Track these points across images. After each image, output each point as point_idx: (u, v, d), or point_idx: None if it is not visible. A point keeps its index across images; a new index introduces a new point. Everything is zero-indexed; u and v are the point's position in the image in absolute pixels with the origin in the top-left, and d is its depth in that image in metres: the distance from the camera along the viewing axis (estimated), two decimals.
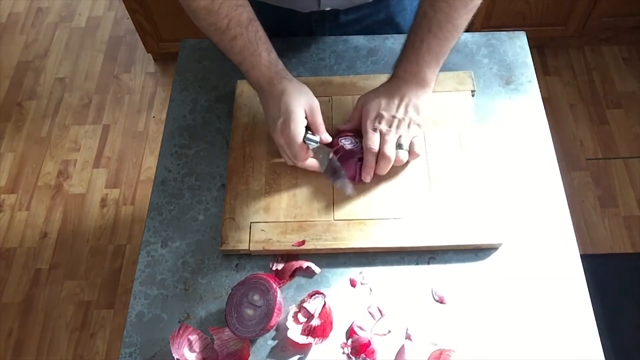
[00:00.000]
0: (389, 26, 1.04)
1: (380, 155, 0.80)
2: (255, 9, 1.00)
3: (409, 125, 0.82)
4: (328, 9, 0.95)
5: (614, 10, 1.96)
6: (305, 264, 0.78)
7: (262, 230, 0.80)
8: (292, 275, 0.79)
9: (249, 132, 0.90)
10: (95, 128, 2.10)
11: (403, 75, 0.82)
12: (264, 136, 0.89)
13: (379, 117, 0.81)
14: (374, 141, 0.80)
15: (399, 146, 0.81)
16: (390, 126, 0.81)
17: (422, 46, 0.79)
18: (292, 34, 1.02)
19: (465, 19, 0.79)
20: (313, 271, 0.78)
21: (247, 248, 0.79)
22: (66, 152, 2.04)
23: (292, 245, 0.79)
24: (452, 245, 0.79)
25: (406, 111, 0.81)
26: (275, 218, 0.81)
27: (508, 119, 0.92)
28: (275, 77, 0.81)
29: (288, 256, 0.80)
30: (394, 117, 0.81)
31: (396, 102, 0.81)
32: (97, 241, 1.84)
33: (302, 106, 0.79)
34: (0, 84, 2.23)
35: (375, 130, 0.80)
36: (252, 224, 0.81)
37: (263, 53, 0.81)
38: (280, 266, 0.79)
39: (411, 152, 0.82)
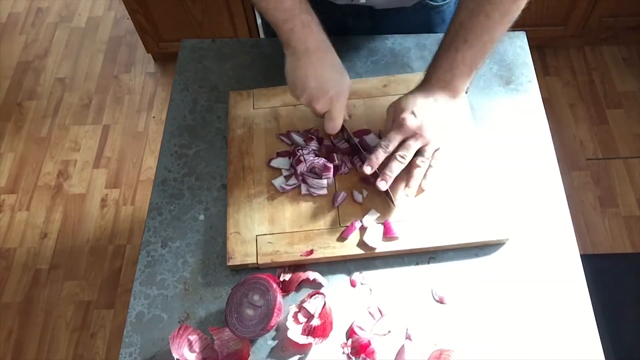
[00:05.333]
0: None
1: (393, 157, 0.78)
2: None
3: (432, 140, 0.79)
4: (363, 1, 0.94)
5: (614, 10, 1.96)
6: (312, 276, 0.78)
7: (269, 242, 0.80)
8: (298, 286, 0.79)
9: (245, 143, 0.89)
10: (95, 128, 2.10)
11: (436, 82, 0.80)
12: (262, 146, 0.88)
13: (407, 118, 0.78)
14: (392, 139, 0.78)
15: (419, 153, 0.79)
16: (417, 134, 0.78)
17: (457, 56, 0.78)
18: (328, 30, 1.02)
19: (501, 30, 0.78)
20: (319, 282, 0.78)
21: (255, 262, 0.78)
22: (66, 152, 2.04)
23: (301, 255, 0.78)
24: (458, 244, 0.79)
25: (437, 119, 0.79)
26: (281, 229, 0.81)
27: (508, 119, 0.92)
28: (326, 44, 0.80)
29: (295, 266, 0.80)
30: (420, 128, 0.77)
31: (429, 106, 0.79)
32: (97, 241, 1.84)
33: (348, 82, 0.82)
34: (0, 84, 2.23)
35: (399, 130, 0.78)
36: (257, 236, 0.80)
37: (313, 13, 0.79)
38: (287, 277, 0.79)
39: (433, 164, 0.80)
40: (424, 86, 0.81)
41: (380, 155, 0.78)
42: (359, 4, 0.95)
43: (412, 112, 0.77)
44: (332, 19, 0.99)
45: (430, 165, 0.80)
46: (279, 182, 0.84)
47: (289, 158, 0.86)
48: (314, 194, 0.83)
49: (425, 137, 0.78)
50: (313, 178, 0.83)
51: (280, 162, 0.86)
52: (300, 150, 0.84)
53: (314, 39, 0.79)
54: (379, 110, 0.91)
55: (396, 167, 0.78)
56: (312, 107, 0.81)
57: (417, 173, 0.78)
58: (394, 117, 0.80)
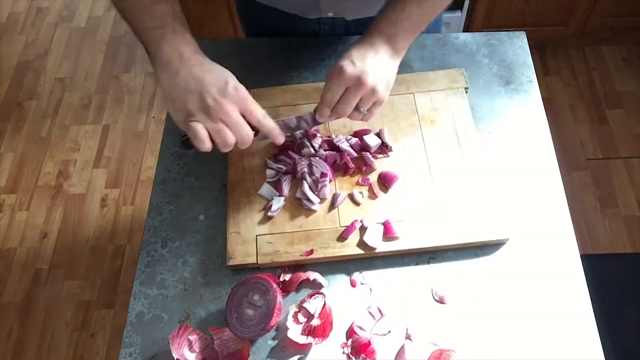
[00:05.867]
0: None
1: (333, 110, 0.75)
2: (264, 14, 1.00)
3: (373, 92, 0.74)
4: (330, 14, 0.95)
5: (614, 10, 1.96)
6: (312, 276, 0.78)
7: (269, 242, 0.80)
8: (298, 286, 0.79)
9: None
10: (95, 128, 2.10)
11: (378, 35, 0.76)
12: (264, 147, 0.88)
13: (347, 70, 0.72)
14: (330, 97, 0.74)
15: (356, 109, 0.75)
16: (357, 84, 0.72)
17: (404, 11, 0.75)
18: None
19: None
20: (319, 283, 0.78)
21: (255, 262, 0.78)
22: (66, 152, 2.04)
23: (301, 255, 0.78)
24: (458, 244, 0.79)
25: (376, 68, 0.73)
26: (281, 229, 0.81)
27: (508, 119, 0.92)
28: (199, 51, 0.73)
29: (295, 266, 0.80)
30: (361, 74, 0.72)
31: (370, 55, 0.74)
32: (97, 241, 1.84)
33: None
34: (0, 84, 2.23)
35: (339, 78, 0.72)
36: (257, 236, 0.80)
37: (186, 23, 0.73)
38: (287, 277, 0.79)
39: (369, 114, 0.77)
40: (365, 37, 0.77)
41: (324, 111, 0.75)
42: (331, 17, 0.96)
43: (351, 61, 0.73)
44: (305, 31, 1.00)
45: (364, 119, 0.78)
46: (266, 192, 0.84)
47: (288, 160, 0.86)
48: (305, 207, 0.82)
49: (365, 86, 0.72)
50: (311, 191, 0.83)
51: (266, 191, 0.84)
52: (301, 163, 0.84)
53: (189, 45, 0.72)
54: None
55: (332, 119, 0.77)
56: (215, 114, 0.68)
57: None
58: (331, 70, 0.74)
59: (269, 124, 0.73)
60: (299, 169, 0.84)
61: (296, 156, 0.86)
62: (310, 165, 0.84)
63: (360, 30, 0.99)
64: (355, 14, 0.96)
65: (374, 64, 0.73)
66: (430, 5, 0.77)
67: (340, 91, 0.74)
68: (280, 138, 0.76)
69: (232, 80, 0.70)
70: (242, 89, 0.71)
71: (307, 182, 0.83)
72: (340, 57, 0.75)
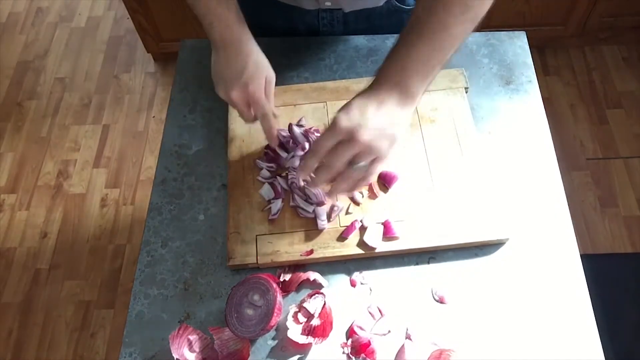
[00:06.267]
0: None
1: (324, 166, 0.69)
2: (263, 9, 0.99)
3: (369, 148, 0.67)
4: (328, 4, 0.95)
5: (614, 10, 1.96)
6: (312, 276, 0.78)
7: (269, 242, 0.80)
8: (298, 286, 0.79)
9: (246, 143, 0.89)
10: (95, 128, 2.10)
11: (384, 82, 0.68)
12: (262, 146, 0.88)
13: (341, 123, 0.66)
14: (318, 145, 0.68)
15: (352, 162, 0.68)
16: (351, 138, 0.66)
17: (410, 52, 0.67)
18: (299, 34, 1.02)
19: (462, 28, 0.69)
20: (319, 283, 0.78)
21: (255, 262, 0.78)
22: (66, 152, 2.04)
23: (301, 255, 0.78)
24: (458, 244, 0.79)
25: (376, 122, 0.66)
26: (280, 229, 0.81)
27: (508, 118, 0.92)
28: (245, 38, 0.80)
29: (295, 266, 0.80)
30: (354, 129, 0.65)
31: (371, 107, 0.67)
32: (97, 241, 1.84)
33: (265, 73, 0.80)
34: (0, 84, 2.23)
35: (331, 131, 0.67)
36: (257, 236, 0.80)
37: (232, 7, 0.78)
38: (287, 277, 0.79)
39: (367, 175, 0.69)
40: (371, 87, 0.69)
41: (310, 162, 0.69)
42: (330, 8, 0.96)
43: (347, 113, 0.66)
44: (303, 23, 1.00)
45: (363, 177, 0.70)
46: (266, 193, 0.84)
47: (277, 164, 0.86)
48: (301, 215, 0.82)
49: (359, 142, 0.65)
50: (304, 199, 0.82)
51: (266, 192, 0.84)
52: (292, 172, 0.84)
53: (231, 33, 0.78)
54: None
55: (323, 175, 0.69)
56: (229, 97, 0.80)
57: (342, 182, 0.69)
58: (333, 119, 0.68)
59: (266, 124, 0.80)
60: (289, 177, 0.84)
61: (284, 154, 0.85)
62: (303, 189, 0.82)
63: (358, 26, 1.00)
64: (353, 4, 0.96)
65: (373, 117, 0.66)
66: (439, 42, 0.68)
67: (330, 143, 0.67)
68: (273, 142, 0.82)
69: (245, 77, 0.78)
70: (254, 84, 0.78)
71: (297, 195, 0.82)
72: (342, 109, 0.68)
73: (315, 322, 0.74)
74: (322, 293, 0.76)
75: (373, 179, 0.78)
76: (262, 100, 0.79)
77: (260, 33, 1.07)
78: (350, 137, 0.66)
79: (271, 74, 0.82)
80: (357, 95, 0.69)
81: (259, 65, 0.80)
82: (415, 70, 0.68)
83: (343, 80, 0.95)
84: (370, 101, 0.67)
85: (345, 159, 0.67)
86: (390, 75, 0.69)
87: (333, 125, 0.66)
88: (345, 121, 0.66)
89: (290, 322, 0.73)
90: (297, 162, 0.85)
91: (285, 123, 0.90)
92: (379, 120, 0.67)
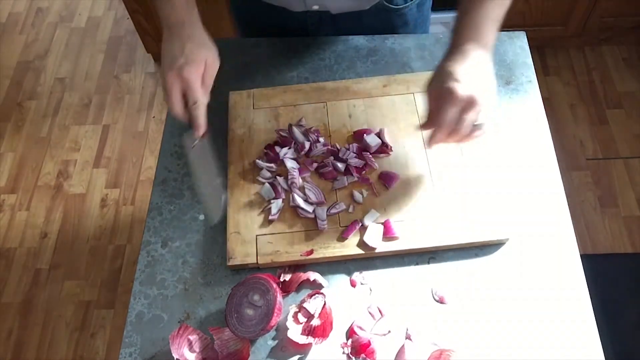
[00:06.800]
0: None
1: (452, 134, 0.74)
2: (252, 8, 1.00)
3: (484, 105, 0.73)
4: (315, 7, 0.95)
5: (614, 10, 1.96)
6: (312, 276, 0.78)
7: (269, 242, 0.80)
8: (298, 286, 0.79)
9: (245, 144, 0.89)
10: (95, 128, 2.10)
11: (467, 43, 0.74)
12: (262, 146, 0.88)
13: (460, 92, 0.71)
14: (448, 121, 0.72)
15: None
16: (471, 102, 0.71)
17: (481, 12, 0.75)
18: (289, 34, 1.02)
19: None
20: (319, 283, 0.78)
21: (255, 262, 0.78)
22: (66, 152, 2.04)
23: (301, 255, 0.78)
24: (458, 244, 0.79)
25: (482, 80, 0.73)
26: (281, 229, 0.81)
27: (508, 118, 0.92)
28: (188, 20, 0.78)
29: (295, 266, 0.80)
30: (473, 93, 0.71)
31: (471, 68, 0.73)
32: (97, 241, 1.84)
33: (205, 57, 0.77)
34: (0, 84, 2.23)
35: (451, 102, 0.71)
36: (257, 236, 0.80)
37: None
38: (287, 277, 0.79)
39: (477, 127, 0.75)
40: (457, 51, 0.75)
41: (441, 136, 0.73)
42: (317, 10, 0.96)
43: (457, 80, 0.71)
44: (292, 24, 1.00)
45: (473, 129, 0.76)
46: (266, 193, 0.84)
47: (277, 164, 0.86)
48: (301, 215, 0.82)
49: (479, 105, 0.72)
50: (304, 199, 0.82)
51: (266, 192, 0.84)
52: (293, 173, 0.84)
53: (176, 14, 0.78)
54: (378, 110, 0.91)
55: (441, 136, 0.74)
56: (163, 82, 0.77)
57: (455, 136, 0.75)
58: (438, 93, 0.73)
59: (193, 112, 0.77)
60: (289, 178, 0.84)
61: (281, 151, 0.85)
62: (302, 188, 0.83)
63: (348, 26, 1.00)
64: (340, 8, 0.96)
65: (478, 77, 0.73)
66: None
67: (454, 113, 0.71)
68: (198, 131, 0.78)
69: (181, 61, 0.75)
70: (189, 68, 0.75)
71: (297, 195, 0.82)
72: (437, 76, 0.74)
73: (315, 322, 0.74)
74: (322, 293, 0.76)
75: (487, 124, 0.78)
76: (194, 85, 0.76)
77: (252, 33, 1.07)
78: (469, 103, 0.71)
79: (212, 59, 0.79)
80: (449, 62, 0.74)
81: (199, 48, 0.77)
82: (487, 26, 0.76)
83: (343, 80, 0.95)
84: (467, 63, 0.73)
85: (470, 122, 0.72)
86: (470, 35, 0.75)
87: (450, 96, 0.71)
88: (462, 89, 0.71)
89: (290, 322, 0.73)
90: (290, 163, 0.85)
91: (285, 123, 0.90)
92: (482, 78, 0.74)
